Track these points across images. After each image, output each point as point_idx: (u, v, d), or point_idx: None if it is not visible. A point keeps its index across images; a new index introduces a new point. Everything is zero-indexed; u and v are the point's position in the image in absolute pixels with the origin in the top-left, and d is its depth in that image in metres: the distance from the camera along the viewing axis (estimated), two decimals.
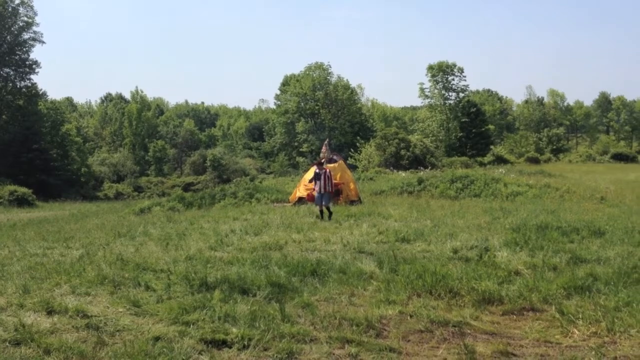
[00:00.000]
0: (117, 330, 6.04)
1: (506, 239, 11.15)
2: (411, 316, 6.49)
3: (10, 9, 59.82)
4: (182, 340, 5.63)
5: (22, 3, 60.60)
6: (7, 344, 5.60)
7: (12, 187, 44.38)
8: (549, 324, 6.31)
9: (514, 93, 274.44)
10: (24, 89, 62.04)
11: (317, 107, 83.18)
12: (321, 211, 15.96)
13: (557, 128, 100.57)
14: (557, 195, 25.25)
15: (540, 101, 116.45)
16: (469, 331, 6.12)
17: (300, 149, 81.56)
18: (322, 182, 16.29)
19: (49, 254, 11.65)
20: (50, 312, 6.63)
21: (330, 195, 16.58)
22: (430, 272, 7.95)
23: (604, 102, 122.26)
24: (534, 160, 67.92)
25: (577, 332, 5.96)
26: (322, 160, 17.92)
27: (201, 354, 5.39)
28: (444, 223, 14.08)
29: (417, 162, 48.79)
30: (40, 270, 9.18)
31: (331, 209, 16.20)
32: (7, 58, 59.94)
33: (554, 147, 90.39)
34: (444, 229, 12.95)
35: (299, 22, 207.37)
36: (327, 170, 16.78)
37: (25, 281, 8.18)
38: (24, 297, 7.30)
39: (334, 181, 17.01)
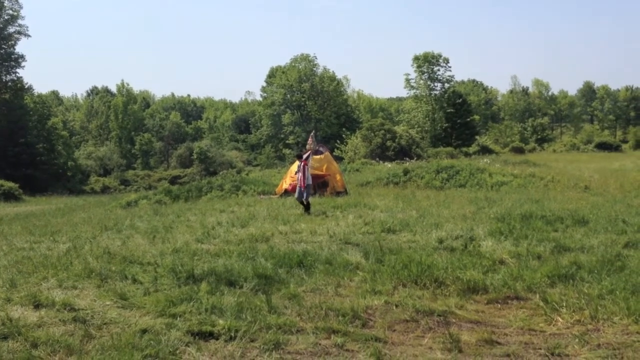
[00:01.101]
0: (104, 323, 6.04)
1: (491, 228, 11.25)
2: (397, 306, 6.55)
3: None
4: (169, 333, 5.65)
5: None
6: None
7: None
8: (533, 312, 6.39)
9: (499, 83, 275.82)
10: (9, 83, 61.47)
11: (303, 99, 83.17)
12: (303, 203, 15.62)
13: (541, 118, 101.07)
14: (541, 184, 25.49)
15: (525, 91, 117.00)
16: (454, 320, 6.20)
17: (287, 141, 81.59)
18: (300, 175, 15.88)
19: (36, 247, 11.57)
20: (37, 306, 6.61)
21: (302, 189, 15.77)
22: (415, 262, 8.02)
23: (588, 92, 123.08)
24: (519, 150, 68.26)
25: (560, 320, 6.04)
26: (302, 154, 17.65)
27: (188, 346, 5.41)
28: (429, 213, 14.17)
29: (403, 153, 48.99)
30: (27, 265, 9.13)
31: (305, 203, 15.60)
32: None
33: (539, 136, 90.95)
34: (430, 219, 13.03)
35: (284, 12, 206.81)
36: (303, 163, 16.17)
37: (12, 275, 8.14)
38: (11, 292, 7.27)
39: (308, 174, 16.06)
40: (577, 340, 5.48)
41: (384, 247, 9.55)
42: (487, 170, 28.43)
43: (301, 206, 15.76)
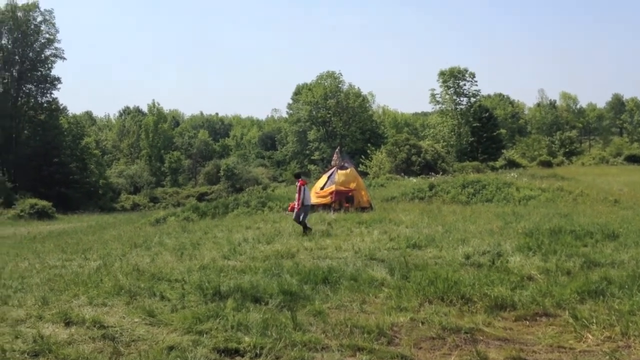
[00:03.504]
0: (133, 340, 6.12)
1: (519, 243, 11.11)
2: (423, 323, 6.51)
3: (32, 27, 61.09)
4: (195, 350, 5.69)
5: (45, 21, 61.88)
6: (26, 355, 5.70)
7: (32, 201, 45.28)
8: (563, 329, 6.29)
9: (526, 96, 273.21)
10: (45, 104, 63.27)
11: (328, 115, 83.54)
12: (302, 224, 15.00)
13: (569, 131, 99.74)
14: (570, 198, 25.12)
15: (552, 104, 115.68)
16: (481, 337, 6.13)
17: (312, 157, 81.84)
18: (298, 195, 15.27)
19: (68, 265, 11.87)
20: (68, 323, 6.74)
21: (304, 209, 15.23)
22: (442, 279, 7.97)
23: (617, 104, 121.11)
24: (547, 164, 67.24)
25: (590, 336, 5.94)
26: (300, 173, 17.35)
27: None
28: (455, 228, 14.06)
29: (428, 167, 48.69)
30: (58, 282, 9.34)
31: (302, 224, 15.02)
32: (29, 74, 61.41)
33: (567, 150, 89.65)
34: (456, 234, 12.93)
35: (310, 31, 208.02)
36: (299, 184, 15.48)
37: (44, 293, 8.33)
38: (43, 309, 7.43)
39: (308, 195, 15.59)
40: (607, 357, 5.39)
41: (409, 263, 9.51)
42: (515, 184, 28.12)
43: (301, 227, 15.02)
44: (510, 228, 13.78)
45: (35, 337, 6.10)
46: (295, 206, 15.44)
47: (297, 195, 15.36)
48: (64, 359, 5.56)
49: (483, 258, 9.96)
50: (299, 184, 15.53)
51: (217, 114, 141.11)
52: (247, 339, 5.90)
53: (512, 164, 62.43)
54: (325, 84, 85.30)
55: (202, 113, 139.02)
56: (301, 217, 15.09)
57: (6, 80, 59.97)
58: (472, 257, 10.06)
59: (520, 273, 8.62)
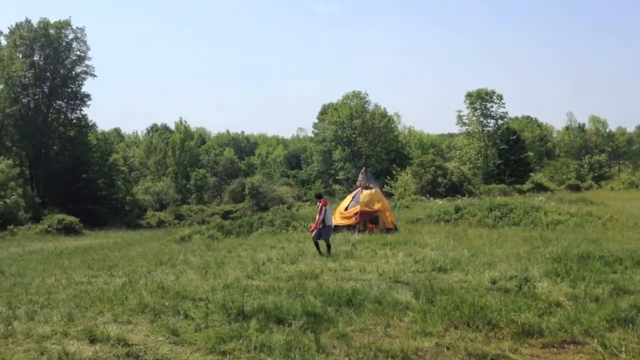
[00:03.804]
0: (156, 359, 6.15)
1: (547, 269, 10.92)
2: (448, 348, 6.44)
3: (64, 44, 62.32)
4: None
5: (76, 38, 63.14)
6: None
7: (60, 216, 45.88)
8: (591, 357, 6.19)
9: (555, 119, 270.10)
10: (75, 121, 64.23)
11: (354, 135, 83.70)
12: (316, 244, 15.00)
13: (598, 155, 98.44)
14: (599, 223, 24.66)
15: (581, 128, 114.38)
16: None
17: (337, 177, 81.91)
18: (319, 216, 15.14)
19: (94, 282, 12.00)
20: (92, 341, 6.81)
21: (325, 230, 15.11)
22: (468, 303, 7.86)
23: None
24: (575, 188, 66.19)
25: None
26: (321, 194, 17.21)
27: None
28: (482, 252, 13.89)
29: (454, 189, 48.33)
30: (84, 299, 9.45)
31: (327, 243, 15.01)
32: (59, 91, 62.43)
33: (596, 174, 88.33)
34: (482, 258, 12.77)
35: (336, 52, 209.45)
36: (321, 204, 15.33)
37: (70, 309, 8.43)
38: (69, 325, 7.52)
39: (330, 215, 15.42)
40: None
41: (434, 287, 9.41)
42: (542, 208, 27.70)
43: (315, 248, 15.07)
44: (538, 253, 13.57)
45: (60, 354, 6.18)
46: (317, 226, 15.23)
47: (317, 215, 15.27)
48: None
49: (510, 283, 9.81)
50: (320, 204, 15.44)
51: (242, 132, 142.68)
52: None
53: (539, 187, 61.69)
54: (351, 103, 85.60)
55: (228, 131, 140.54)
56: (323, 237, 14.99)
57: (37, 97, 61.04)
58: (499, 282, 9.91)
59: (548, 299, 8.47)
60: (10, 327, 7.54)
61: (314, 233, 15.19)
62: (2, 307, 9.00)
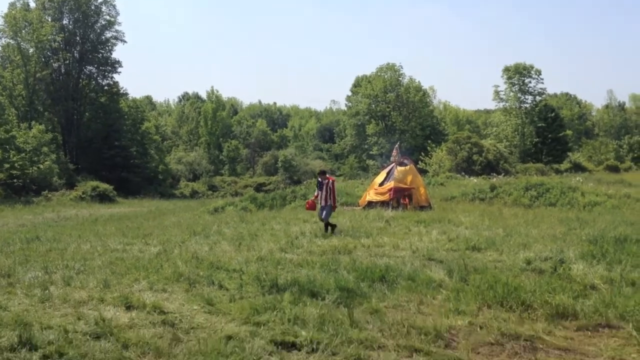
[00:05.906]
0: (192, 328, 6.28)
1: (582, 251, 10.76)
2: (481, 328, 6.41)
3: (93, 7, 61.55)
4: (253, 341, 5.79)
5: (105, 2, 62.26)
6: (88, 337, 5.93)
7: (94, 183, 46.60)
8: (625, 341, 6.10)
9: (594, 97, 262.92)
10: (106, 87, 64.06)
11: (388, 109, 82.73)
12: (326, 225, 14.44)
13: (638, 135, 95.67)
14: (637, 206, 24.06)
15: (621, 106, 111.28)
16: (541, 346, 5.99)
17: (370, 152, 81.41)
18: (324, 193, 14.59)
19: (129, 249, 12.25)
20: (128, 307, 6.98)
21: (332, 208, 14.68)
22: (501, 283, 7.81)
23: None
24: (614, 169, 64.64)
25: None
26: (325, 170, 15.87)
27: (271, 355, 5.54)
28: (517, 232, 13.73)
29: (490, 167, 47.72)
30: (120, 266, 9.67)
31: (332, 223, 14.56)
32: (90, 56, 61.88)
33: (635, 155, 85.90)
34: (517, 238, 12.64)
35: (371, 22, 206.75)
36: (330, 180, 14.84)
37: (106, 276, 8.64)
38: (105, 292, 7.72)
39: (335, 194, 14.83)
40: None
41: (468, 266, 9.37)
42: (580, 189, 27.13)
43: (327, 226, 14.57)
44: (574, 234, 13.36)
45: (97, 320, 6.34)
46: (322, 204, 14.64)
47: (332, 194, 14.60)
48: (125, 343, 5.74)
49: (545, 264, 9.69)
50: (330, 180, 14.77)
51: (275, 103, 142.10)
52: (304, 333, 5.96)
53: (577, 168, 60.48)
54: (385, 76, 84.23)
55: (260, 102, 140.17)
56: (324, 216, 14.49)
57: (68, 62, 60.53)
58: (534, 263, 9.79)
59: (583, 282, 8.36)
60: (47, 291, 7.75)
61: (323, 214, 14.54)
62: (38, 271, 9.22)
